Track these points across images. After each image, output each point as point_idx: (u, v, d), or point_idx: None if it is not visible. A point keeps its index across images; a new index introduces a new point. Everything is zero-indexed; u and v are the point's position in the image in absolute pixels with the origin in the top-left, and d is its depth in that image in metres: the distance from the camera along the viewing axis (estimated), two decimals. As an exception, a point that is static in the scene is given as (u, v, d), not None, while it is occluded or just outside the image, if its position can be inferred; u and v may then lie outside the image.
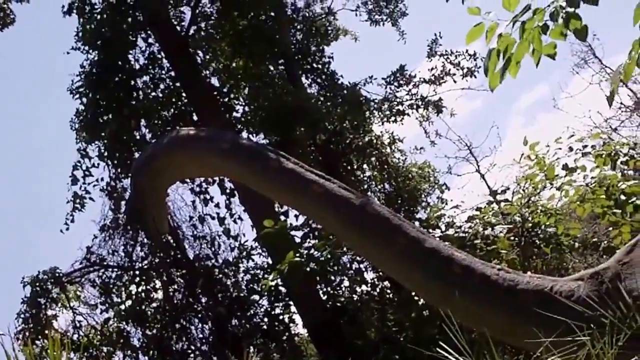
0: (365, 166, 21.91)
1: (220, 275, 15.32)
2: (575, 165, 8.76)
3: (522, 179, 9.04)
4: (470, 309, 7.09)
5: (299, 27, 21.40)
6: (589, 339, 5.04)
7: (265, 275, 12.38)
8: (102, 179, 15.60)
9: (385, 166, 21.60)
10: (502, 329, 6.84)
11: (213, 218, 15.45)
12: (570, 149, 8.91)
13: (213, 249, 15.39)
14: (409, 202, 21.55)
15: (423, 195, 22.51)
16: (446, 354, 4.90)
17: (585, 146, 8.87)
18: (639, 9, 4.16)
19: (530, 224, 8.82)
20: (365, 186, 21.90)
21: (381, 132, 21.61)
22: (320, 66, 21.07)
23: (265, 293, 13.35)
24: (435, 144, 22.41)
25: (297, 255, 9.94)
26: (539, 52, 4.82)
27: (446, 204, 21.81)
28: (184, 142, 9.14)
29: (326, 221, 8.17)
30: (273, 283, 10.74)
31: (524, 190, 8.88)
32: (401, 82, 18.94)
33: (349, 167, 21.05)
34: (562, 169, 8.83)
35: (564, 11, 4.15)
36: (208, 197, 15.69)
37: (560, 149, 8.94)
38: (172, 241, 15.16)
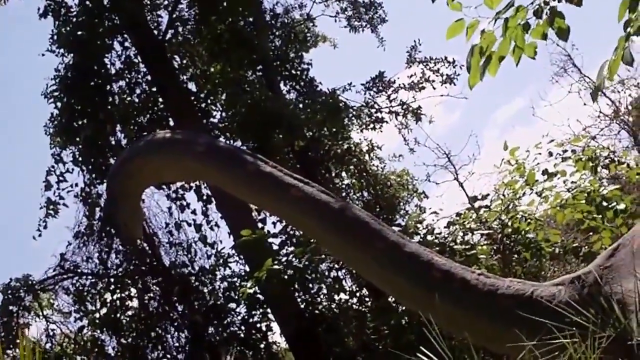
0: (343, 174, 21.87)
1: (197, 283, 15.18)
2: (555, 170, 8.74)
3: (501, 185, 9.00)
4: (450, 314, 7.00)
5: (277, 33, 21.27)
6: (571, 342, 4.98)
7: (243, 283, 12.23)
8: (76, 185, 15.41)
9: (364, 174, 21.57)
10: (482, 334, 6.76)
11: (189, 225, 15.32)
12: (550, 154, 8.90)
13: (189, 256, 15.26)
14: (387, 210, 21.50)
15: (402, 203, 22.53)
16: (425, 360, 4.82)
17: (565, 151, 8.85)
18: (624, 5, 4.13)
19: (509, 230, 8.79)
20: (344, 194, 21.85)
21: (360, 139, 21.60)
22: (299, 72, 20.96)
23: (243, 301, 13.20)
24: (414, 151, 22.22)
25: (275, 262, 9.83)
26: (521, 51, 4.77)
27: (424, 212, 21.88)
28: (159, 145, 8.94)
29: (305, 225, 8.04)
30: (251, 290, 10.60)
31: (503, 196, 8.84)
32: (380, 88, 18.89)
33: (327, 175, 20.99)
34: (542, 174, 8.80)
35: (548, 7, 4.10)
36: (185, 203, 15.54)
37: (540, 154, 8.93)
38: (147, 248, 15.03)
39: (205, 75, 17.78)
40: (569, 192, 8.57)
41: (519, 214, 8.74)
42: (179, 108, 16.23)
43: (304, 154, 19.04)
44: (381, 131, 20.65)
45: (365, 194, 22.15)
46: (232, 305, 14.63)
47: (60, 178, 15.38)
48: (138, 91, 16.86)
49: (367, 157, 21.91)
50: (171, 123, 16.33)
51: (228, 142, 17.78)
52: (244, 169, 8.21)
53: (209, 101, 17.99)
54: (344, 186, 21.96)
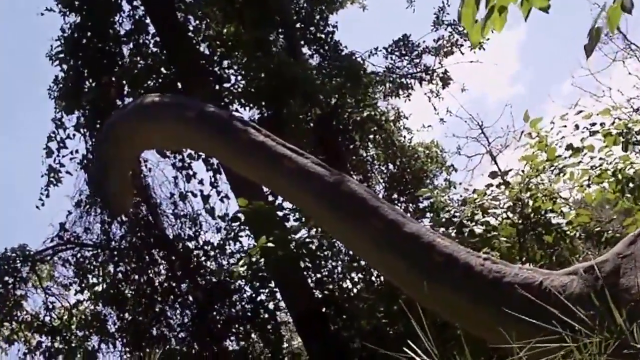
0: (369, 144, 21.42)
1: (203, 258, 14.91)
2: (582, 145, 8.21)
3: (521, 159, 8.50)
4: (450, 302, 6.61)
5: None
6: (576, 344, 4.57)
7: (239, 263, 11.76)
8: (77, 152, 15.17)
9: (390, 144, 21.07)
10: (483, 324, 6.33)
11: (195, 196, 14.99)
12: (577, 127, 8.36)
13: (195, 229, 14.97)
14: (414, 184, 21.04)
15: (429, 177, 22.01)
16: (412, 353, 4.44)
17: (594, 124, 8.31)
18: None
19: (529, 210, 8.31)
20: (368, 166, 21.46)
21: (386, 107, 21.09)
22: (323, 36, 20.46)
23: (250, 279, 12.84)
24: (444, 121, 21.67)
25: (275, 239, 9.46)
26: (529, 4, 4.29)
27: (454, 187, 21.39)
28: (148, 109, 8.59)
29: (298, 199, 7.69)
30: (242, 269, 10.24)
31: (522, 172, 8.34)
32: (403, 52, 18.27)
33: (350, 146, 20.56)
34: (566, 149, 8.29)
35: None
36: (191, 173, 15.20)
37: (565, 126, 8.39)
38: (151, 219, 14.79)
39: (219, 37, 17.34)
40: (591, 170, 8.04)
41: (540, 192, 8.24)
42: (189, 72, 15.84)
43: (323, 122, 18.58)
44: (409, 99, 20.15)
45: (391, 166, 21.70)
46: (240, 282, 14.25)
47: (61, 144, 15.16)
48: (147, 53, 16.48)
49: (393, 126, 21.40)
50: (180, 88, 15.93)
51: (242, 108, 17.44)
52: (235, 137, 7.86)
53: (222, 65, 17.58)
54: (368, 158, 21.52)
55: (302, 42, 20.13)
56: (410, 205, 20.22)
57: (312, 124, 18.76)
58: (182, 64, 15.89)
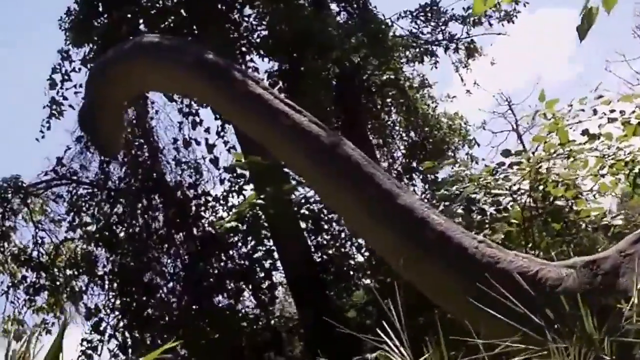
0: (391, 109, 21.06)
1: (202, 209, 14.69)
2: (599, 132, 7.83)
3: (533, 140, 8.14)
4: (437, 281, 6.36)
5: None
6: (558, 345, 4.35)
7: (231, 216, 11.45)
8: (81, 86, 14.84)
9: (413, 111, 20.67)
10: (470, 311, 6.05)
11: (199, 144, 14.71)
12: (595, 112, 7.97)
13: (196, 178, 14.73)
14: (434, 154, 20.70)
15: (451, 149, 21.62)
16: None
17: (613, 110, 7.91)
18: None
19: (538, 194, 7.98)
20: (388, 131, 21.11)
21: (411, 73, 20.66)
22: (360, -1, 19.95)
23: (241, 235, 12.61)
24: (470, 93, 21.18)
25: (267, 196, 9.20)
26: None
27: (476, 161, 20.96)
28: (148, 49, 8.31)
29: (290, 157, 7.42)
30: (230, 225, 10.01)
31: (533, 154, 7.98)
32: (430, 17, 17.75)
33: (373, 108, 20.19)
34: (582, 134, 7.91)
35: None
36: (198, 120, 14.85)
37: (583, 110, 8.00)
38: (152, 164, 14.58)
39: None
40: (604, 158, 7.67)
41: (551, 177, 7.90)
42: (207, 16, 15.37)
43: (346, 82, 18.19)
44: (436, 67, 19.70)
45: (412, 133, 21.36)
46: (237, 237, 14.02)
47: (66, 77, 14.89)
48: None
49: (416, 93, 21.00)
50: (195, 32, 15.55)
51: (261, 60, 17.08)
52: (232, 86, 7.59)
53: (243, 13, 17.14)
54: (389, 123, 21.16)
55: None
56: (429, 175, 19.91)
57: (332, 82, 18.43)
58: (199, 7, 15.48)
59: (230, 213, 13.53)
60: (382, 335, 4.29)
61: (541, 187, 7.92)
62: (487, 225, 7.89)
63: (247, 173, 11.30)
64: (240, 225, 10.02)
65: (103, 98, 8.66)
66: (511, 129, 25.21)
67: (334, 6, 19.56)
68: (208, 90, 7.79)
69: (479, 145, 21.23)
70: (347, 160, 6.75)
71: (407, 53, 18.62)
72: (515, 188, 8.08)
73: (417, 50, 18.30)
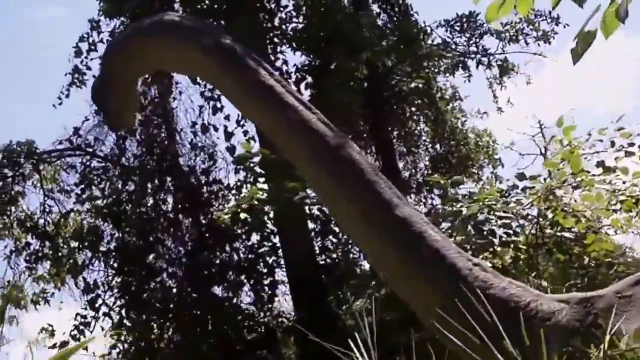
0: (420, 118, 20.85)
1: (213, 197, 14.60)
2: (615, 164, 7.61)
3: (545, 166, 7.94)
4: (425, 299, 6.21)
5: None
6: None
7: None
8: (106, 57, 14.80)
9: (440, 122, 20.46)
10: (452, 332, 5.89)
11: (216, 129, 14.61)
12: (612, 143, 7.75)
13: (209, 164, 14.63)
14: (457, 169, 20.51)
15: (475, 166, 21.40)
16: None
17: (632, 144, 7.69)
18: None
19: (546, 222, 7.79)
20: (414, 140, 20.90)
21: (443, 84, 20.48)
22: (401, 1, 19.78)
23: (244, 228, 12.44)
24: (502, 111, 20.93)
25: (269, 192, 9.10)
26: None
27: (500, 181, 20.66)
28: (166, 27, 8.23)
29: (294, 154, 7.29)
30: (227, 217, 9.88)
31: (544, 180, 7.79)
32: (465, 28, 17.49)
33: (401, 115, 19.98)
34: (596, 165, 7.70)
35: None
36: (219, 105, 14.76)
37: (601, 140, 7.78)
38: (168, 144, 14.53)
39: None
40: (614, 193, 7.45)
41: (560, 206, 7.70)
42: (242, 1, 15.24)
43: (376, 85, 18.01)
44: (469, 81, 19.48)
45: (438, 146, 21.16)
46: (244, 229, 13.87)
47: (92, 47, 14.89)
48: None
49: (447, 105, 20.81)
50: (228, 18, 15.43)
51: (294, 53, 16.94)
52: (244, 74, 7.50)
53: (279, 3, 17.02)
54: (416, 131, 20.96)
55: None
56: (450, 190, 19.69)
57: (361, 83, 18.28)
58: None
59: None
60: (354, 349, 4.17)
61: (550, 216, 7.75)
62: (492, 248, 7.72)
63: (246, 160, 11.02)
64: (240, 218, 9.87)
65: (117, 72, 8.60)
66: (539, 153, 24.83)
67: (375, 7, 19.47)
68: (221, 75, 7.69)
69: (503, 165, 20.96)
70: (351, 163, 6.61)
71: (441, 63, 18.42)
72: (524, 213, 7.92)
73: (451, 61, 18.08)
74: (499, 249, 7.65)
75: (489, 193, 8.05)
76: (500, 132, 39.06)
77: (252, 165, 10.05)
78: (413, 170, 20.57)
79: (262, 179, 14.76)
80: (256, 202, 9.47)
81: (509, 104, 21.29)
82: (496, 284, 5.95)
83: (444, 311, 5.99)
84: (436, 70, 18.71)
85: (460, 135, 20.98)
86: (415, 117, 20.60)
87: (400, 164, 20.36)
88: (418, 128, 21.07)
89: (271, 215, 11.56)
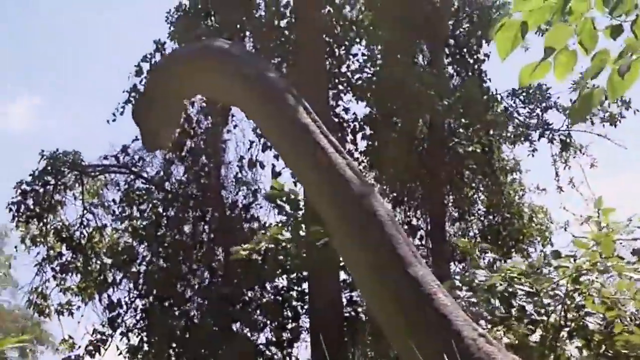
0: (480, 185, 20.60)
1: (250, 233, 14.57)
2: (654, 256, 7.31)
3: (575, 244, 7.67)
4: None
5: (464, 11, 20.02)
6: None
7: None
8: (166, 80, 15.03)
9: (497, 192, 20.17)
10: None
11: (263, 167, 14.66)
12: (652, 232, 7.46)
13: (250, 200, 14.65)
14: (506, 242, 20.21)
15: (526, 242, 21.02)
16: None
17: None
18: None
19: (572, 305, 7.50)
20: (467, 207, 20.62)
21: (507, 155, 20.26)
22: (472, 61, 19.76)
23: (286, 271, 12.36)
24: (562, 191, 20.54)
25: (291, 234, 8.98)
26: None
27: (549, 261, 20.18)
28: (213, 52, 8.28)
29: (315, 196, 7.20)
30: (244, 253, 9.78)
31: (574, 260, 7.52)
32: (531, 99, 17.25)
33: (459, 178, 19.76)
34: (632, 253, 7.41)
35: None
36: (269, 143, 14.80)
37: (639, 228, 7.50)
38: (212, 175, 14.60)
39: (353, 21, 16.92)
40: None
41: (589, 290, 7.42)
42: (311, 43, 15.19)
43: (435, 144, 17.82)
44: (533, 155, 19.21)
45: (491, 216, 20.88)
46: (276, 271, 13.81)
47: (153, 68, 15.12)
48: (277, 12, 16.17)
49: (507, 177, 20.56)
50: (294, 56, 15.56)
51: (356, 102, 16.92)
52: (281, 109, 7.47)
53: (350, 50, 17.10)
54: (472, 195, 20.70)
55: (447, 57, 19.56)
56: (498, 261, 19.35)
57: (422, 141, 18.19)
58: (308, 33, 15.31)
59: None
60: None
61: (578, 298, 7.48)
62: (511, 322, 7.46)
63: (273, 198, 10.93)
64: (256, 256, 9.76)
65: (158, 92, 8.68)
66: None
67: (450, 69, 19.44)
68: (258, 109, 7.70)
69: (552, 245, 20.52)
70: (371, 214, 6.49)
71: (506, 132, 18.20)
72: (552, 292, 7.65)
73: (514, 130, 17.88)
74: (514, 325, 7.39)
75: (512, 265, 7.81)
76: (556, 210, 38.32)
77: (283, 204, 9.93)
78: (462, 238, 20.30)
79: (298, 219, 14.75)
80: (273, 244, 9.36)
81: (570, 184, 20.96)
82: (499, 359, 5.76)
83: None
84: (500, 139, 18.52)
85: (515, 208, 20.65)
86: (473, 184, 20.39)
87: (452, 229, 20.14)
88: (474, 195, 20.83)
89: (291, 259, 11.45)
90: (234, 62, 8.12)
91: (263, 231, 14.74)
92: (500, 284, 7.51)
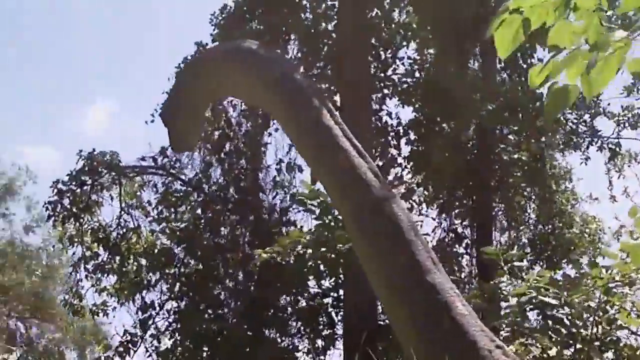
0: (532, 195, 20.25)
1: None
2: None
3: (603, 253, 7.45)
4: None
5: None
6: None
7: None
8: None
9: (548, 201, 19.80)
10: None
11: (301, 171, 14.61)
12: (690, 246, 7.19)
13: (289, 204, 14.61)
14: (556, 252, 19.81)
15: (576, 253, 20.59)
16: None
17: None
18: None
19: (604, 318, 7.30)
20: (516, 215, 20.29)
21: (559, 163, 19.89)
22: (525, 66, 19.44)
23: (324, 277, 12.24)
24: (615, 200, 20.12)
25: (315, 238, 8.95)
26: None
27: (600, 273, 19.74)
28: (242, 53, 8.40)
29: (337, 199, 7.20)
30: (266, 256, 9.74)
31: (607, 272, 7.32)
32: (580, 105, 16.84)
33: (509, 186, 19.42)
34: (663, 266, 7.17)
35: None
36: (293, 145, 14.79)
37: (680, 240, 7.24)
38: (251, 179, 14.62)
39: (400, 24, 16.79)
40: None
41: (621, 302, 7.20)
42: (356, 46, 15.07)
43: (484, 151, 17.53)
44: (585, 163, 18.81)
45: (542, 225, 20.51)
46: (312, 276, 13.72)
47: (194, 69, 15.18)
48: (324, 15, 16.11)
49: (559, 186, 20.18)
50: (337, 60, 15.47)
51: (402, 106, 16.77)
52: (304, 110, 7.48)
53: (397, 54, 16.94)
54: (523, 203, 20.34)
55: (501, 66, 19.27)
56: (547, 272, 19.00)
57: (471, 148, 17.92)
58: (350, 33, 15.19)
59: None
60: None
61: (611, 311, 7.28)
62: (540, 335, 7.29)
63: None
64: (278, 259, 9.75)
65: (186, 94, 8.73)
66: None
67: (505, 75, 19.15)
68: (281, 108, 7.70)
69: (603, 257, 20.06)
70: (390, 218, 6.43)
71: (557, 139, 17.86)
72: (585, 304, 7.46)
73: (564, 137, 17.54)
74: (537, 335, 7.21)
75: (539, 274, 7.64)
76: (610, 220, 37.72)
77: (311, 207, 9.89)
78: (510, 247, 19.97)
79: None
80: (294, 247, 9.36)
81: (624, 193, 20.50)
82: (515, 371, 5.64)
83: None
84: (550, 145, 18.17)
85: (567, 218, 20.26)
86: (524, 193, 20.04)
87: (502, 238, 19.81)
88: (524, 203, 20.49)
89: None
90: (262, 63, 8.13)
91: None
92: (525, 294, 7.36)
